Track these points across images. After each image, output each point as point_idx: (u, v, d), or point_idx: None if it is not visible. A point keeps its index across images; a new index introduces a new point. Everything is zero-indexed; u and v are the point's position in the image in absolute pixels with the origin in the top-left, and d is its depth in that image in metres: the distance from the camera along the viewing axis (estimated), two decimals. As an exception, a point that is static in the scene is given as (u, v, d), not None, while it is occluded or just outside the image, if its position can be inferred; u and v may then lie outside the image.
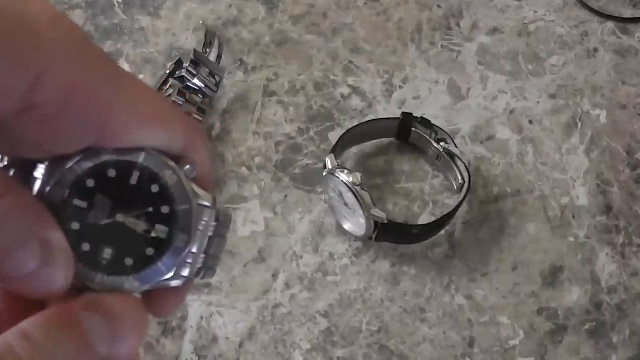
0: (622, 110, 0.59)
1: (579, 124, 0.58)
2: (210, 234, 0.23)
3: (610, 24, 0.63)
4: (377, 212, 0.49)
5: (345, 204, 0.51)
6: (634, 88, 0.60)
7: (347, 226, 0.53)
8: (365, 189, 0.49)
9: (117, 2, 0.63)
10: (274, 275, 0.52)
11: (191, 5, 0.63)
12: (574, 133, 0.58)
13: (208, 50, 0.58)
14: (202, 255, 0.23)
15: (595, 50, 0.62)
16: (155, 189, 0.22)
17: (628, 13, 0.63)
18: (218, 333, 0.50)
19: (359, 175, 0.48)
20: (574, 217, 0.55)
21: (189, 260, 0.23)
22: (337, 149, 0.52)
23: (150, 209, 0.22)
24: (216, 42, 0.59)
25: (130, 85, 0.21)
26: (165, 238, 0.22)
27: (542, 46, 0.62)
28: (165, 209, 0.22)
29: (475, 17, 0.63)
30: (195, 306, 0.51)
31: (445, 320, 0.51)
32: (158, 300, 0.23)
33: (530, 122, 0.58)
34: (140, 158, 0.22)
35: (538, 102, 0.59)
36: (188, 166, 0.23)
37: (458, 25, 0.63)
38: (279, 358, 0.50)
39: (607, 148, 0.57)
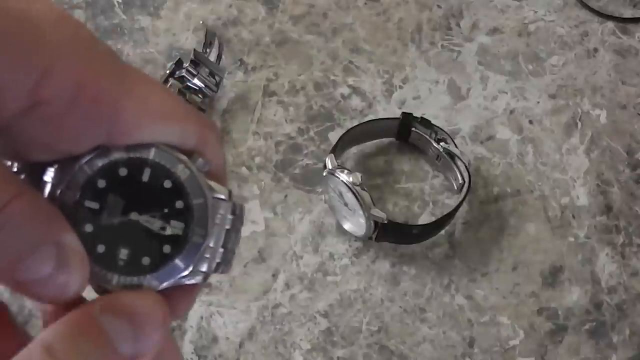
0: (622, 110, 0.59)
1: (579, 124, 0.58)
2: (227, 227, 0.23)
3: (610, 24, 0.63)
4: (377, 212, 0.49)
5: (345, 204, 0.51)
6: (634, 88, 0.60)
7: (347, 226, 0.53)
8: (365, 189, 0.49)
9: (117, 2, 0.63)
10: (274, 275, 0.52)
11: (191, 5, 0.63)
12: (574, 133, 0.58)
13: (208, 50, 0.58)
14: (220, 250, 0.23)
15: (595, 50, 0.62)
16: (168, 184, 0.22)
17: (628, 13, 0.63)
18: (218, 333, 0.50)
19: (359, 175, 0.48)
20: (574, 217, 0.55)
21: (207, 255, 0.22)
22: (337, 149, 0.52)
23: (164, 206, 0.22)
24: (216, 42, 0.59)
25: (139, 81, 0.21)
26: (182, 234, 0.22)
27: (542, 46, 0.62)
28: (179, 204, 0.22)
29: (475, 17, 0.63)
30: (195, 306, 0.51)
31: (445, 320, 0.51)
32: (171, 300, 0.23)
33: (530, 122, 0.58)
34: (151, 154, 0.21)
35: (538, 102, 0.59)
36: (200, 159, 0.22)
37: (458, 25, 0.63)
38: (279, 358, 0.50)
39: (607, 148, 0.57)
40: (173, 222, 0.22)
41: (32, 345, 0.18)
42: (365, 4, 0.64)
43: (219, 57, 0.58)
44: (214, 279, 0.52)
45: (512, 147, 0.57)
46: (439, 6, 0.64)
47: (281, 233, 0.54)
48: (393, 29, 0.63)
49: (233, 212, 0.23)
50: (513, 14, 0.63)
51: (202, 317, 0.51)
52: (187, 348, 0.50)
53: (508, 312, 0.51)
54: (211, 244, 0.22)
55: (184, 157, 0.22)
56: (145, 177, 0.21)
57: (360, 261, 0.53)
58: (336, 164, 0.50)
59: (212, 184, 0.23)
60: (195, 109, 0.23)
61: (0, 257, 0.18)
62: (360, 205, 0.49)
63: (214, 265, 0.23)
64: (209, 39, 0.59)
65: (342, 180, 0.49)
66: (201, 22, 0.62)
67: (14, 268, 0.18)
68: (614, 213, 0.55)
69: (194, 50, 0.56)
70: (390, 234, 0.51)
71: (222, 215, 0.23)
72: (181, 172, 0.22)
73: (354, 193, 0.48)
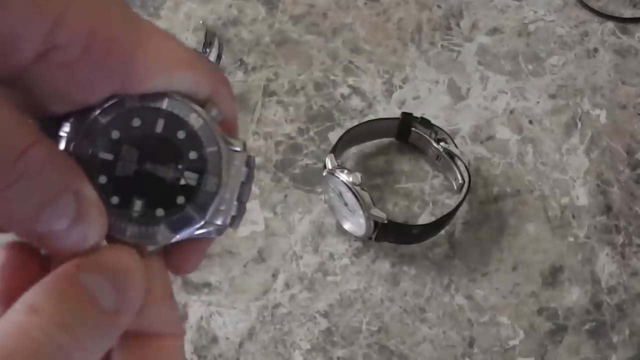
0: (622, 110, 0.59)
1: (579, 124, 0.58)
2: (242, 179, 0.23)
3: (610, 24, 0.63)
4: (377, 212, 0.49)
5: (345, 204, 0.51)
6: (634, 88, 0.60)
7: (347, 226, 0.53)
8: (365, 189, 0.49)
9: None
10: (274, 275, 0.52)
11: (191, 5, 0.63)
12: (574, 133, 0.58)
13: (208, 50, 0.58)
14: (235, 202, 0.22)
15: (595, 50, 0.62)
16: (181, 134, 0.21)
17: (628, 13, 0.63)
18: (218, 333, 0.50)
19: (359, 175, 0.48)
20: (574, 217, 0.55)
21: (222, 207, 0.22)
22: (337, 149, 0.52)
23: (178, 156, 0.21)
24: (216, 42, 0.59)
25: (151, 30, 0.21)
26: (196, 184, 0.21)
27: (542, 46, 0.62)
28: (193, 155, 0.21)
29: (475, 17, 0.63)
30: (195, 306, 0.51)
31: (445, 320, 0.51)
32: (179, 256, 0.23)
33: (530, 122, 0.58)
34: (164, 104, 0.21)
35: (538, 102, 0.59)
36: (214, 109, 0.22)
37: (458, 25, 0.63)
38: (279, 358, 0.50)
39: (607, 148, 0.57)
40: (187, 173, 0.21)
41: (16, 304, 0.18)
42: (365, 4, 0.64)
43: (219, 57, 0.58)
44: (214, 279, 0.52)
45: (512, 147, 0.57)
46: (439, 6, 0.64)
47: (281, 233, 0.54)
48: (393, 29, 0.63)
49: (247, 164, 0.23)
50: (513, 14, 0.63)
51: (201, 317, 0.51)
52: (187, 348, 0.50)
53: (508, 312, 0.51)
54: (226, 196, 0.22)
55: (197, 107, 0.22)
56: (159, 127, 0.21)
57: (360, 261, 0.53)
58: (336, 164, 0.50)
59: (226, 136, 0.22)
60: (208, 60, 0.23)
61: (21, 207, 0.18)
62: (360, 205, 0.49)
63: (229, 218, 0.22)
64: (209, 39, 0.59)
65: (342, 180, 0.49)
66: (201, 22, 0.62)
67: (34, 218, 0.18)
68: (614, 213, 0.55)
69: (194, 50, 0.56)
70: (390, 234, 0.51)
71: (236, 166, 0.22)
72: (195, 121, 0.21)
73: (354, 193, 0.48)
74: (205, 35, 0.59)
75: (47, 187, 0.18)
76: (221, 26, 0.62)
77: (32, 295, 0.18)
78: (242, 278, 0.52)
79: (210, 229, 0.22)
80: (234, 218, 0.23)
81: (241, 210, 0.23)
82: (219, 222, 0.22)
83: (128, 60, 0.20)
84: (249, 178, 0.23)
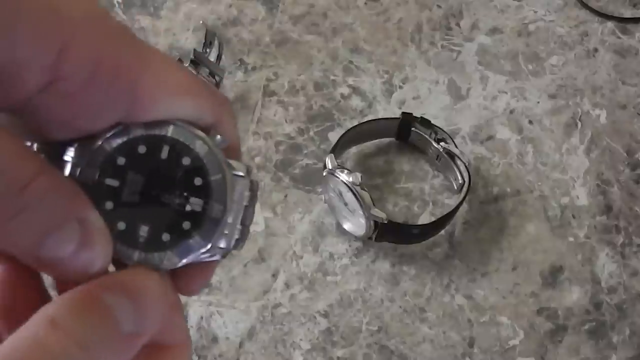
0: (622, 110, 0.59)
1: (579, 124, 0.58)
2: (245, 203, 0.23)
3: (610, 24, 0.63)
4: (377, 212, 0.49)
5: (345, 204, 0.51)
6: (634, 88, 0.60)
7: (347, 226, 0.53)
8: (365, 189, 0.49)
9: (117, 2, 0.63)
10: (274, 275, 0.52)
11: (191, 5, 0.63)
12: (573, 133, 0.58)
13: (208, 50, 0.58)
14: (239, 226, 0.23)
15: (595, 50, 0.62)
16: (186, 161, 0.22)
17: (628, 13, 0.63)
18: (218, 333, 0.50)
19: (359, 175, 0.48)
20: (574, 217, 0.55)
21: (226, 232, 0.22)
22: (337, 149, 0.52)
23: (183, 182, 0.22)
24: (216, 42, 0.59)
25: (155, 57, 0.21)
26: (201, 210, 0.22)
27: (542, 46, 0.62)
28: (198, 181, 0.22)
29: (475, 17, 0.63)
30: (195, 306, 0.51)
31: (445, 320, 0.51)
32: (185, 278, 0.23)
33: (530, 122, 0.58)
34: (169, 131, 0.21)
35: (538, 102, 0.59)
36: (219, 136, 0.22)
37: (458, 25, 0.63)
38: (279, 358, 0.50)
39: (607, 148, 0.57)
40: (192, 199, 0.22)
41: (36, 317, 0.18)
42: (365, 4, 0.64)
43: (219, 57, 0.58)
44: (214, 279, 0.52)
45: (512, 147, 0.57)
46: (439, 6, 0.64)
47: (281, 233, 0.54)
48: (393, 29, 0.63)
49: (251, 189, 0.23)
50: (513, 14, 0.63)
51: (202, 317, 0.51)
52: (187, 348, 0.50)
53: (508, 312, 0.51)
54: (230, 220, 0.22)
55: (202, 134, 0.22)
56: (164, 154, 0.22)
57: (360, 261, 0.53)
58: (336, 164, 0.50)
59: (230, 161, 0.23)
60: (211, 85, 0.23)
61: (24, 236, 0.18)
62: (360, 205, 0.49)
63: (232, 241, 0.23)
64: (209, 39, 0.59)
65: (342, 180, 0.49)
66: (201, 22, 0.62)
67: (38, 246, 0.18)
68: (614, 213, 0.55)
69: (194, 50, 0.56)
70: (390, 234, 0.51)
71: (240, 191, 0.23)
72: (200, 148, 0.22)
73: (354, 193, 0.48)
74: (205, 35, 0.59)
75: (51, 215, 0.18)
76: (221, 26, 0.62)
77: (53, 308, 0.18)
78: (242, 278, 0.52)
79: (214, 252, 0.23)
80: (237, 241, 0.23)
81: (244, 233, 0.23)
82: (222, 245, 0.23)
83: (132, 88, 0.20)
84: (252, 202, 0.23)
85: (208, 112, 0.22)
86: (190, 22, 0.63)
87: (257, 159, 0.56)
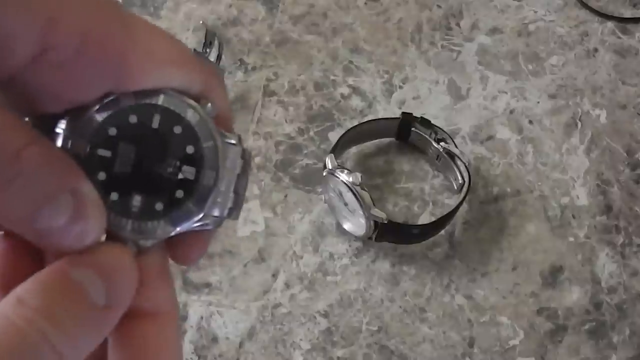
0: (622, 110, 0.59)
1: (579, 124, 0.58)
2: (237, 171, 0.23)
3: (610, 24, 0.63)
4: (377, 212, 0.49)
5: (345, 204, 0.51)
6: (634, 88, 0.60)
7: (347, 226, 0.53)
8: (365, 189, 0.49)
9: (117, 2, 0.63)
10: (274, 275, 0.52)
11: (191, 5, 0.63)
12: (574, 133, 0.58)
13: (208, 50, 0.58)
14: (232, 194, 0.23)
15: (595, 50, 0.62)
16: (178, 129, 0.22)
17: (628, 13, 0.63)
18: (218, 333, 0.50)
19: (359, 175, 0.48)
20: (574, 217, 0.55)
21: (219, 200, 0.23)
22: (337, 149, 0.52)
23: (175, 151, 0.22)
24: (216, 42, 0.59)
25: (144, 28, 0.21)
26: (193, 178, 0.22)
27: (542, 46, 0.62)
28: (190, 149, 0.22)
29: (475, 17, 0.63)
30: (195, 306, 0.51)
31: (445, 320, 0.51)
32: (182, 247, 0.23)
33: (530, 122, 0.58)
34: (160, 100, 0.21)
35: (538, 102, 0.59)
36: (209, 104, 0.22)
37: (458, 25, 0.63)
38: (279, 358, 0.50)
39: (607, 148, 0.57)
40: (185, 167, 0.22)
41: (4, 300, 0.18)
42: (365, 4, 0.64)
43: (219, 57, 0.58)
44: (214, 279, 0.52)
45: (512, 147, 0.57)
46: (439, 6, 0.64)
47: (281, 233, 0.54)
48: (393, 29, 0.63)
49: (242, 157, 0.23)
50: (513, 14, 0.63)
51: (202, 317, 0.51)
52: (187, 348, 0.50)
53: (508, 312, 0.51)
54: (222, 188, 0.23)
55: (192, 102, 0.22)
56: (155, 123, 0.21)
57: (360, 261, 0.53)
58: (336, 164, 0.50)
59: (221, 129, 0.23)
60: (200, 55, 0.23)
61: (16, 207, 0.18)
62: (360, 205, 0.49)
63: (226, 210, 0.23)
64: (209, 39, 0.59)
65: (342, 180, 0.49)
66: (201, 22, 0.62)
67: (31, 217, 0.18)
68: (614, 213, 0.55)
69: (194, 50, 0.56)
70: (390, 234, 0.51)
71: (232, 159, 0.23)
72: (191, 117, 0.22)
73: (354, 193, 0.48)
74: (205, 35, 0.59)
75: (44, 186, 0.18)
76: (221, 26, 0.62)
77: (20, 288, 0.18)
78: (242, 278, 0.52)
79: (208, 221, 0.23)
80: (230, 210, 0.23)
81: (238, 201, 0.23)
82: (216, 213, 0.23)
83: (121, 58, 0.20)
84: (244, 170, 0.23)
85: (197, 81, 0.22)
86: (190, 22, 0.63)
87: (257, 159, 0.56)
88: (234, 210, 0.23)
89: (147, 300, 0.22)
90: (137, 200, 0.21)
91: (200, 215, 0.22)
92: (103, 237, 0.21)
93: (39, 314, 0.18)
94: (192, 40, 0.61)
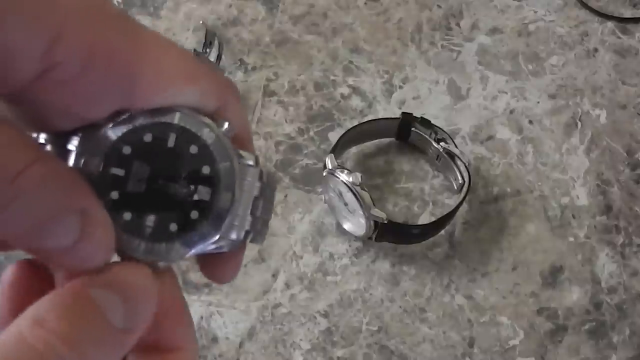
0: (622, 110, 0.59)
1: (579, 124, 0.58)
2: (255, 194, 0.22)
3: (610, 24, 0.63)
4: (377, 212, 0.49)
5: (345, 204, 0.51)
6: (634, 88, 0.60)
7: (347, 226, 0.53)
8: (365, 189, 0.49)
9: (117, 2, 0.63)
10: (274, 275, 0.52)
11: (191, 5, 0.63)
12: (574, 133, 0.58)
13: (208, 50, 0.58)
14: (249, 218, 0.22)
15: (595, 50, 0.62)
16: (194, 149, 0.21)
17: (628, 13, 0.63)
18: (218, 333, 0.50)
19: (359, 175, 0.48)
20: (574, 217, 0.55)
21: (236, 223, 0.22)
22: (337, 149, 0.52)
23: (191, 171, 0.21)
24: (216, 42, 0.59)
25: (155, 43, 0.20)
26: (209, 200, 0.21)
27: (542, 46, 0.62)
28: (206, 170, 0.21)
29: (475, 17, 0.63)
30: (195, 306, 0.51)
31: (445, 320, 0.51)
32: (215, 266, 0.23)
33: (530, 122, 0.58)
34: (176, 118, 0.21)
35: (538, 102, 0.59)
36: (226, 124, 0.22)
37: (458, 25, 0.63)
38: (279, 358, 0.50)
39: (607, 148, 0.57)
40: (200, 188, 0.21)
41: (21, 317, 0.18)
42: (365, 4, 0.64)
43: (219, 57, 0.58)
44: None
45: (512, 147, 0.57)
46: (439, 6, 0.64)
47: (281, 233, 0.54)
48: (393, 29, 0.63)
49: (260, 179, 0.23)
50: (513, 14, 0.63)
51: (202, 317, 0.51)
52: (187, 348, 0.50)
53: (508, 312, 0.51)
54: (239, 210, 0.22)
55: (209, 121, 0.21)
56: (171, 142, 0.21)
57: (360, 261, 0.53)
58: (336, 164, 0.50)
59: (239, 150, 0.22)
60: (214, 69, 0.22)
61: (18, 226, 0.18)
62: (360, 205, 0.49)
63: (242, 233, 0.22)
64: (209, 39, 0.59)
65: (342, 180, 0.49)
66: (201, 22, 0.62)
67: (33, 237, 0.18)
68: (614, 213, 0.55)
69: (194, 50, 0.56)
70: (390, 234, 0.51)
71: (249, 181, 0.22)
72: (207, 136, 0.21)
73: (354, 193, 0.48)
74: (205, 35, 0.59)
75: (47, 205, 0.18)
76: (221, 26, 0.62)
77: (36, 308, 0.18)
78: (242, 278, 0.52)
79: (223, 243, 0.22)
80: (247, 233, 0.23)
81: (256, 225, 0.23)
82: (232, 237, 0.22)
83: (130, 74, 0.19)
84: (262, 192, 0.23)
85: (212, 97, 0.22)
86: (190, 22, 0.63)
87: (257, 159, 0.56)
88: (251, 234, 0.23)
89: (164, 335, 0.21)
90: (150, 220, 0.21)
91: (216, 237, 0.21)
92: (116, 258, 0.21)
93: (57, 336, 0.17)
94: (192, 40, 0.61)
